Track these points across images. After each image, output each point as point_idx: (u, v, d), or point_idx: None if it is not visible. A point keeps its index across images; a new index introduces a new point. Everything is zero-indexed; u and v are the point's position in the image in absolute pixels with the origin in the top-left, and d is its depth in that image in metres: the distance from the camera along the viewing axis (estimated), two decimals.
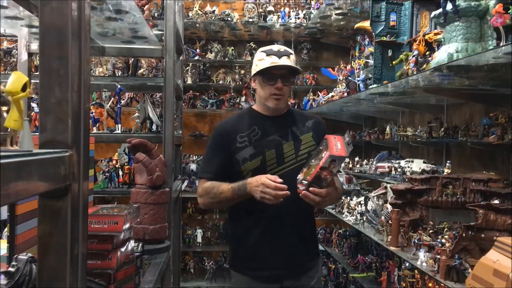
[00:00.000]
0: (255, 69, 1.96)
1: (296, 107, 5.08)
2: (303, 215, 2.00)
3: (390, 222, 2.56)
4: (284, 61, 1.90)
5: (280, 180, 1.75)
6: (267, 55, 1.92)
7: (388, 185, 3.12)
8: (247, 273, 1.98)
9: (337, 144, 1.70)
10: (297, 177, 1.79)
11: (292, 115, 2.05)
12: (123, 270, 1.41)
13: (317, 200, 1.71)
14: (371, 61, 3.28)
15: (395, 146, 3.87)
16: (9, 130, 0.73)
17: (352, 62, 3.99)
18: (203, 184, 1.98)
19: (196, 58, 5.25)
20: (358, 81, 3.35)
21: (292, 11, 5.04)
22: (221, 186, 1.89)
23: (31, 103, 2.94)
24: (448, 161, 2.82)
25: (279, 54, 1.91)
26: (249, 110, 2.11)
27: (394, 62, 2.80)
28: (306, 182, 1.71)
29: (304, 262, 2.01)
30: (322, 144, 1.77)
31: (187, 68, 5.23)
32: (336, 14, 4.39)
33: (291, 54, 1.96)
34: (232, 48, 5.33)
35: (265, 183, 1.74)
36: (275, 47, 1.96)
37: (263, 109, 2.03)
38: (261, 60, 1.93)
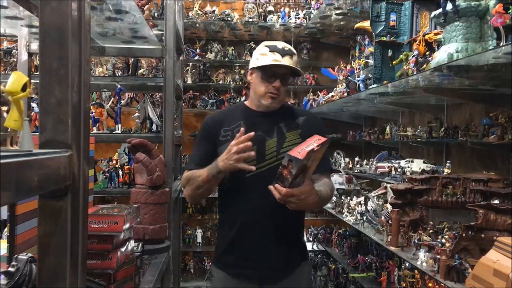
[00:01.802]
0: (255, 63, 1.90)
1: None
2: (287, 215, 1.87)
3: (390, 222, 2.56)
4: (287, 60, 1.85)
5: (245, 135, 1.69)
6: (270, 51, 1.87)
7: (388, 185, 3.12)
8: (225, 270, 1.94)
9: (308, 146, 1.62)
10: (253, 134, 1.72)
11: (284, 111, 1.98)
12: (123, 270, 1.41)
13: (277, 196, 1.62)
14: (371, 61, 3.28)
15: (395, 146, 3.88)
16: (9, 130, 0.73)
17: (352, 62, 3.99)
18: (184, 175, 1.95)
19: (196, 58, 5.25)
20: (358, 81, 3.35)
21: (292, 11, 5.05)
22: (199, 171, 1.85)
23: (31, 103, 2.94)
24: (448, 161, 2.82)
25: (283, 53, 1.86)
26: (240, 105, 2.07)
27: (394, 62, 2.81)
28: (286, 157, 1.63)
29: (286, 264, 1.92)
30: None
31: (187, 68, 5.23)
32: (336, 14, 4.39)
33: (294, 54, 1.91)
34: (232, 48, 5.33)
35: (232, 144, 1.69)
36: (280, 44, 1.90)
37: (255, 105, 1.97)
38: (263, 55, 1.87)
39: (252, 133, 1.70)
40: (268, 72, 1.87)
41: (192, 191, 1.92)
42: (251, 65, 1.94)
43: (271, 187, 1.64)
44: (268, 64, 1.85)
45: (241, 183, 1.87)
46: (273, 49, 1.87)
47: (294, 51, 1.93)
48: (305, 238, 2.17)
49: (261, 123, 1.91)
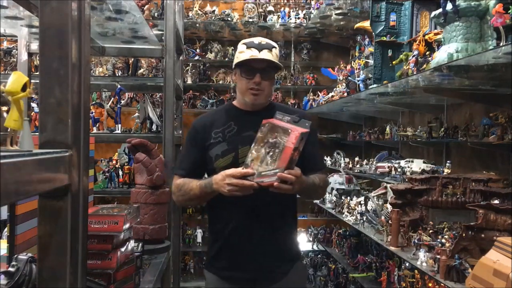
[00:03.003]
0: (235, 61, 1.89)
1: (296, 107, 5.08)
2: (279, 214, 1.89)
3: (390, 222, 2.56)
4: (265, 54, 1.81)
5: (246, 170, 1.65)
6: (247, 47, 1.84)
7: (388, 185, 3.12)
8: (218, 273, 1.91)
9: (287, 125, 1.61)
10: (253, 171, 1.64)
11: (273, 110, 1.87)
12: (123, 270, 1.41)
13: (293, 179, 1.57)
14: (371, 61, 3.28)
15: (395, 146, 3.88)
16: (9, 130, 0.73)
17: (352, 62, 3.99)
18: (176, 181, 1.91)
19: (196, 58, 5.25)
20: (358, 81, 3.35)
21: (292, 11, 5.05)
22: (191, 183, 1.82)
23: (31, 103, 2.94)
24: (448, 161, 2.82)
25: (260, 47, 1.82)
26: (228, 106, 2.03)
27: (394, 62, 2.81)
28: (278, 170, 1.56)
29: (279, 265, 1.88)
30: (262, 131, 1.68)
31: (187, 68, 5.23)
32: (336, 14, 4.39)
33: (274, 47, 1.87)
34: (232, 48, 5.33)
35: (230, 174, 1.65)
36: (257, 40, 1.87)
37: (242, 104, 1.94)
38: (241, 53, 1.85)
39: (251, 171, 1.64)
40: (246, 68, 1.84)
41: (182, 201, 1.91)
42: (233, 65, 1.92)
43: (281, 174, 1.55)
44: (244, 59, 1.82)
45: None
46: (249, 45, 1.84)
47: (274, 44, 1.89)
48: (298, 238, 2.12)
49: (251, 122, 1.84)
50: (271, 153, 1.62)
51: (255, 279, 1.87)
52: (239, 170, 1.66)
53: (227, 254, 1.89)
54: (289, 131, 1.59)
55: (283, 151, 1.58)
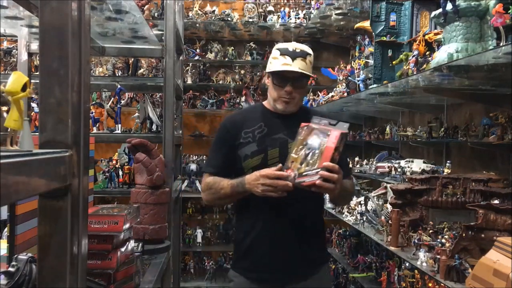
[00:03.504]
0: (268, 67, 1.88)
1: None
2: (306, 216, 1.88)
3: (390, 222, 2.56)
4: (298, 63, 1.79)
5: (280, 172, 1.65)
6: (281, 54, 1.82)
7: (388, 185, 3.12)
8: (244, 274, 1.90)
9: (326, 127, 1.64)
10: (289, 173, 1.64)
11: (305, 114, 1.90)
12: (123, 270, 1.41)
13: (335, 177, 1.56)
14: (371, 61, 3.28)
15: (395, 146, 3.87)
16: (9, 130, 0.73)
17: (352, 62, 3.99)
18: (206, 179, 1.91)
19: (196, 58, 5.25)
20: (358, 81, 3.35)
21: (292, 11, 5.05)
22: (222, 182, 1.83)
23: (31, 103, 2.94)
24: (448, 161, 2.82)
25: (294, 55, 1.80)
26: (259, 106, 2.02)
27: (394, 62, 2.81)
28: (319, 170, 1.57)
29: (307, 267, 1.88)
30: (301, 133, 1.69)
31: (187, 68, 5.23)
32: (336, 14, 4.39)
33: (309, 54, 1.84)
34: (232, 48, 5.34)
35: (265, 175, 1.66)
36: (291, 46, 1.83)
37: (272, 107, 1.94)
38: (275, 59, 1.84)
39: (285, 174, 1.64)
40: (279, 77, 1.84)
41: (212, 200, 1.92)
42: (267, 69, 1.92)
43: (320, 182, 1.55)
44: (276, 70, 1.82)
45: None
46: (283, 52, 1.82)
47: (308, 51, 1.86)
48: (325, 240, 2.11)
49: (282, 125, 1.87)
50: (310, 154, 1.63)
51: (281, 280, 1.85)
52: (274, 171, 1.65)
53: (253, 254, 1.88)
54: (329, 132, 1.61)
55: (324, 151, 1.59)
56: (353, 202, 3.59)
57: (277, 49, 1.86)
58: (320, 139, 1.62)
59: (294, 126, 1.82)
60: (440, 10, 2.01)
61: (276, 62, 1.83)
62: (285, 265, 1.84)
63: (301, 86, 1.86)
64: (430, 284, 2.58)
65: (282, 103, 1.86)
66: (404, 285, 2.94)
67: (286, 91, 1.82)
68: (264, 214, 1.84)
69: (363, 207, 3.29)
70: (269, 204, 1.78)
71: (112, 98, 3.43)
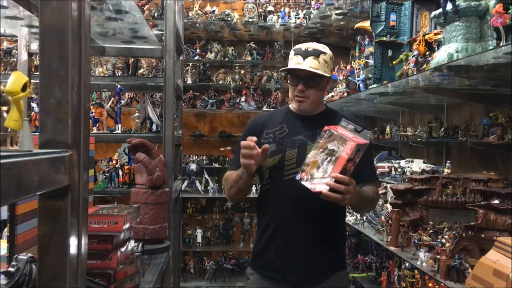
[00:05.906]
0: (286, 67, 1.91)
1: None
2: (326, 221, 1.85)
3: (390, 222, 2.56)
4: (309, 62, 1.79)
5: (247, 142, 1.66)
6: (295, 54, 1.84)
7: (388, 185, 3.12)
8: (259, 272, 1.91)
9: (347, 133, 1.60)
10: (301, 179, 1.63)
11: (328, 116, 1.90)
12: (123, 270, 1.41)
13: (341, 188, 1.52)
14: (371, 61, 3.28)
15: (395, 146, 3.88)
16: (9, 130, 0.73)
17: (352, 62, 3.99)
18: (224, 176, 1.96)
19: (196, 58, 5.25)
20: (358, 81, 3.35)
21: (292, 11, 5.05)
22: (235, 172, 1.87)
23: (31, 103, 2.94)
24: (448, 161, 2.82)
25: (305, 54, 1.81)
26: (284, 108, 2.05)
27: (394, 62, 2.81)
28: (328, 179, 1.55)
29: (320, 271, 1.85)
30: (323, 137, 1.65)
31: (187, 68, 5.23)
32: (336, 14, 4.39)
33: (323, 53, 1.82)
34: (232, 48, 5.33)
35: (242, 146, 1.68)
36: (304, 46, 1.84)
37: (295, 108, 1.95)
38: (291, 59, 1.87)
39: (254, 138, 1.67)
40: (291, 76, 1.87)
41: (227, 191, 1.94)
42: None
43: (329, 182, 1.54)
44: (288, 68, 1.85)
45: (280, 185, 1.84)
46: (297, 52, 1.84)
47: (323, 49, 1.84)
48: (343, 248, 2.06)
49: (303, 127, 1.88)
50: (327, 160, 1.61)
51: (293, 282, 1.84)
52: (249, 142, 1.66)
53: (268, 253, 1.88)
54: (347, 141, 1.57)
55: (337, 160, 1.57)
56: None
57: (293, 49, 1.89)
58: (338, 146, 1.60)
59: (315, 128, 1.82)
60: (440, 10, 2.01)
61: (291, 62, 1.86)
62: (297, 266, 1.83)
63: (314, 85, 1.85)
64: (430, 284, 2.58)
65: (296, 102, 1.88)
66: (404, 285, 2.94)
67: (299, 90, 1.84)
68: (281, 214, 1.85)
69: None
70: (287, 204, 1.80)
71: (112, 98, 3.43)
